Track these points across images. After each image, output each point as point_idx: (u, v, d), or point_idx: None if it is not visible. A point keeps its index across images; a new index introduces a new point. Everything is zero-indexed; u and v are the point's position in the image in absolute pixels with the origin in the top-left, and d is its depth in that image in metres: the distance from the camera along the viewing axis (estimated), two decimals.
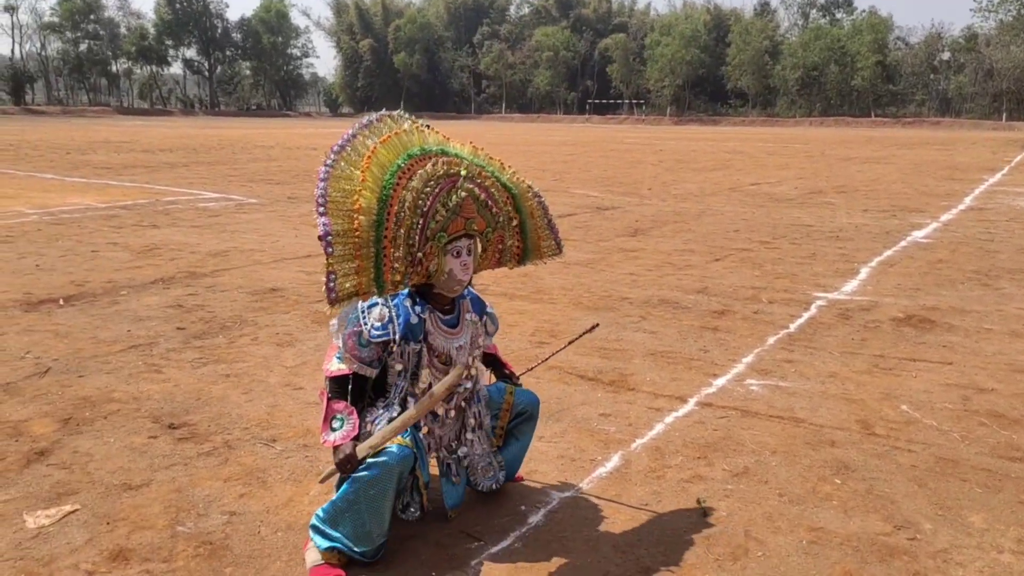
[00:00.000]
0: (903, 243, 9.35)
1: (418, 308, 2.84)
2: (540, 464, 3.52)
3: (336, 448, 2.67)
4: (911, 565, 2.77)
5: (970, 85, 66.56)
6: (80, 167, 18.28)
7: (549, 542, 2.90)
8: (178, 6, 79.04)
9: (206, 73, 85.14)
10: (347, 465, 2.64)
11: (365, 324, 2.78)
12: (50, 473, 3.39)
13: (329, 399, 2.76)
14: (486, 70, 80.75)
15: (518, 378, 3.30)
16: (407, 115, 2.83)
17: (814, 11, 77.89)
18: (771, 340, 5.41)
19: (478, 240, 2.86)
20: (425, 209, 2.65)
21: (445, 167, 2.71)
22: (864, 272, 7.67)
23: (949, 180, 17.69)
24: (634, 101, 77.23)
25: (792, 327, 5.73)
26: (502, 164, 2.97)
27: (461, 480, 3.04)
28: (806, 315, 6.06)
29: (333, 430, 2.70)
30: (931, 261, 8.25)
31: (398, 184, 2.64)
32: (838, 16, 76.19)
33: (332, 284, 2.58)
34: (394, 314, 2.80)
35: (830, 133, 48.01)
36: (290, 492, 3.24)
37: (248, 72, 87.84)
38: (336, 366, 2.79)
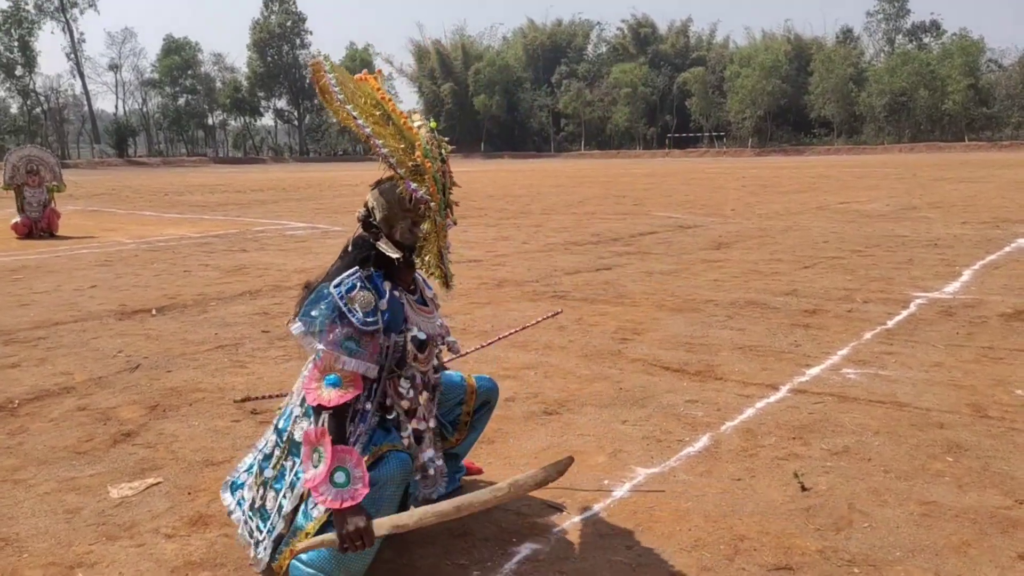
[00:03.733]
0: (1008, 248, 8.84)
1: (387, 285, 2.39)
2: (624, 444, 3.37)
3: (342, 513, 2.12)
4: None
5: None
6: (176, 205, 19.08)
7: (635, 512, 2.75)
8: (269, 60, 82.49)
9: (295, 122, 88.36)
10: (358, 539, 2.10)
11: (354, 315, 2.26)
12: (135, 451, 3.42)
13: (332, 441, 2.18)
14: (564, 109, 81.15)
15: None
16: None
17: (900, 36, 75.98)
18: (868, 335, 5.12)
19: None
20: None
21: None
22: (967, 274, 7.25)
23: None
24: (714, 134, 76.30)
25: (890, 323, 5.43)
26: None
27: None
28: (905, 312, 5.74)
29: (336, 485, 2.13)
30: None
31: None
32: (925, 41, 74.06)
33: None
34: (375, 298, 2.32)
35: (921, 158, 46.30)
36: None
37: (335, 120, 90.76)
38: (334, 392, 2.21)
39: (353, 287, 2.28)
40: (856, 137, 69.75)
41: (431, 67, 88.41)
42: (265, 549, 2.36)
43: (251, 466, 2.57)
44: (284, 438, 2.42)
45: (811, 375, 4.29)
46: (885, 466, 3.08)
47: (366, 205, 2.43)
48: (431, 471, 2.54)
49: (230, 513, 2.56)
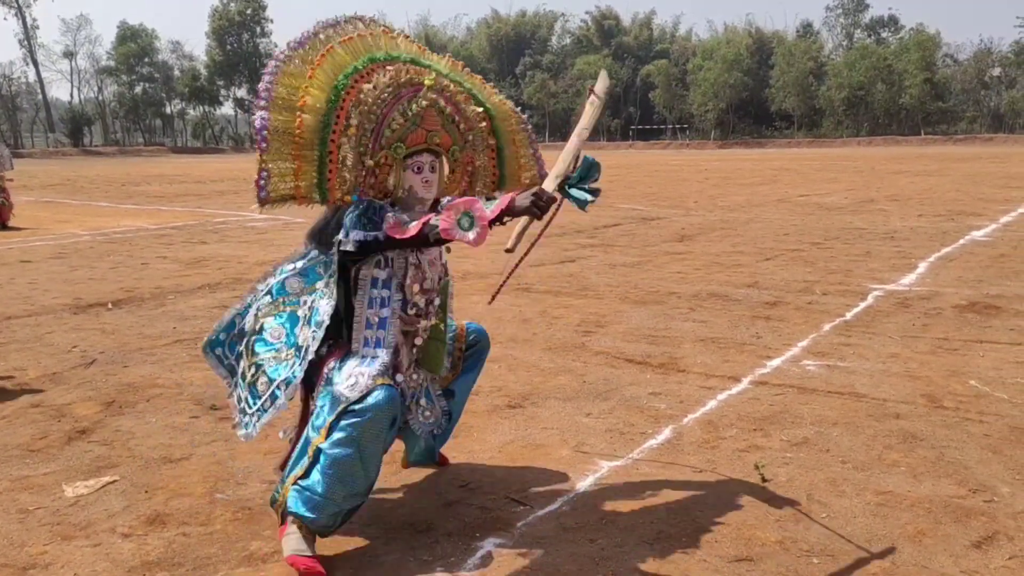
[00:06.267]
0: (962, 241, 9.03)
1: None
2: (588, 437, 3.39)
3: (511, 205, 2.27)
4: (990, 525, 2.57)
5: (1023, 100, 64.88)
6: (134, 196, 18.72)
7: (599, 505, 2.76)
8: (229, 48, 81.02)
9: None
10: (546, 202, 2.32)
11: (374, 204, 2.46)
12: (91, 449, 3.36)
13: (428, 223, 2.31)
14: (529, 100, 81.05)
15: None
16: (380, 22, 2.63)
17: (858, 31, 76.99)
18: (827, 327, 5.20)
19: (445, 158, 2.59)
20: (380, 114, 2.43)
21: (409, 74, 2.49)
22: (922, 266, 7.40)
23: (1006, 188, 17.12)
24: (677, 126, 76.81)
25: (848, 315, 5.51)
26: (484, 83, 2.76)
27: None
28: (863, 304, 5.83)
29: (469, 225, 2.25)
30: (992, 256, 7.93)
31: (352, 86, 2.43)
32: (883, 35, 75.15)
33: (263, 183, 2.37)
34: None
35: (879, 151, 47.04)
36: None
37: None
38: (399, 226, 2.36)
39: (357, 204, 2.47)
40: (816, 130, 70.62)
41: None
42: (249, 425, 2.59)
43: (240, 329, 2.71)
44: (292, 340, 2.58)
45: (772, 367, 4.34)
46: (843, 457, 3.13)
47: None
48: (428, 404, 2.72)
49: (214, 367, 2.82)
